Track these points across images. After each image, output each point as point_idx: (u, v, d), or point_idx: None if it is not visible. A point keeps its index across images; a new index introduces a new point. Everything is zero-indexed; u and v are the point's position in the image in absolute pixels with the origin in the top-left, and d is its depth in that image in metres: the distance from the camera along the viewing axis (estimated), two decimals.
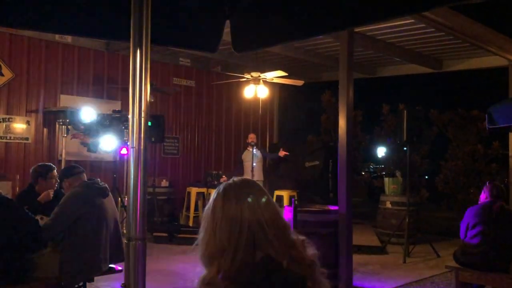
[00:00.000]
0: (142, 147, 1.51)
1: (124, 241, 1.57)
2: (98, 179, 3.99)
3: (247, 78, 8.51)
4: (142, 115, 1.65)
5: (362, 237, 8.20)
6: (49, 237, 3.65)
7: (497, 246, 4.52)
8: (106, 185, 3.98)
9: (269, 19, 1.92)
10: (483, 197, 4.87)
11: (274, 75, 8.15)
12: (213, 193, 1.45)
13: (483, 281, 4.67)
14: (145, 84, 1.62)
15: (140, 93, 1.67)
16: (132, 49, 1.67)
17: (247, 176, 8.82)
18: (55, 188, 4.26)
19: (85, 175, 4.00)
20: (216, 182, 8.89)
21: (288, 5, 1.88)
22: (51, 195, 4.20)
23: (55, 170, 4.29)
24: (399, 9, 1.63)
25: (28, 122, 8.31)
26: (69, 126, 8.17)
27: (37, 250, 3.65)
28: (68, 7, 1.70)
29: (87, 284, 4.04)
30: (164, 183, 9.43)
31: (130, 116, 1.67)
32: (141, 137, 1.60)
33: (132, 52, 1.68)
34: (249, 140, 9.05)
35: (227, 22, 2.04)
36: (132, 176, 1.42)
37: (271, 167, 9.37)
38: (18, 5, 1.67)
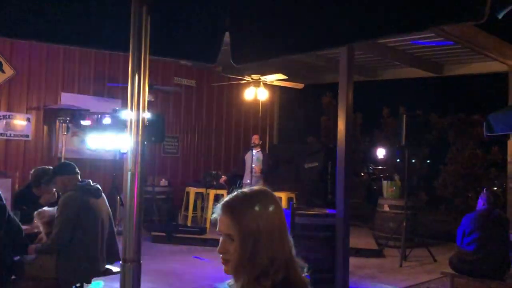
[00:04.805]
0: (139, 149, 1.51)
1: (120, 246, 1.58)
2: (90, 180, 3.98)
3: (248, 81, 8.52)
4: (140, 114, 1.66)
5: (360, 239, 8.23)
6: (61, 247, 3.68)
7: (492, 253, 4.55)
8: (98, 185, 3.98)
9: (269, 33, 1.93)
10: (480, 204, 4.90)
11: (274, 78, 8.16)
12: (266, 199, 1.42)
13: (477, 287, 4.70)
14: (144, 89, 1.64)
15: (139, 95, 1.68)
16: (130, 59, 1.69)
17: (247, 176, 8.84)
18: (55, 195, 4.27)
19: (79, 176, 3.97)
20: (215, 183, 8.91)
21: (289, 19, 1.89)
22: (53, 199, 4.22)
23: None
24: (397, 28, 1.65)
25: (28, 119, 8.33)
26: (69, 124, 8.20)
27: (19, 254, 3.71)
28: (66, 18, 1.72)
29: (85, 285, 4.06)
30: (163, 182, 9.46)
31: (128, 114, 1.68)
32: (138, 136, 1.61)
33: (131, 61, 1.69)
34: (252, 141, 9.08)
35: (227, 34, 2.06)
36: (128, 197, 1.44)
37: (270, 168, 9.39)
38: (19, 16, 1.68)
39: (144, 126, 1.66)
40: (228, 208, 1.39)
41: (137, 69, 1.57)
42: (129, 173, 1.47)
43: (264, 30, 1.96)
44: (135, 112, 1.65)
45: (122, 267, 1.44)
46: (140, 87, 1.59)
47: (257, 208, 1.37)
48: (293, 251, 1.44)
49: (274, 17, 1.92)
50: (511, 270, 4.41)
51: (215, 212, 1.42)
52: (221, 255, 1.39)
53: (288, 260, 1.39)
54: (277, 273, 1.34)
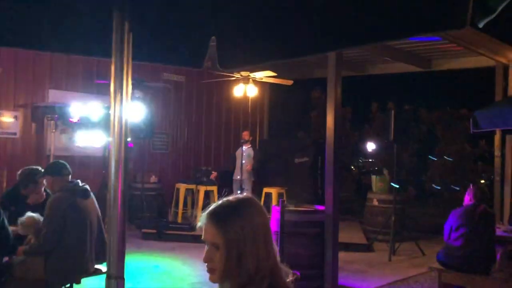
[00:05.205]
0: (122, 156, 1.51)
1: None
2: (78, 180, 3.97)
3: (237, 77, 8.51)
4: (123, 114, 1.66)
5: (350, 234, 8.29)
6: (49, 248, 3.67)
7: (478, 249, 4.62)
8: (87, 186, 3.97)
9: (256, 38, 1.94)
10: (467, 199, 4.95)
11: (263, 75, 8.16)
12: (251, 207, 1.43)
13: (464, 282, 4.77)
14: (126, 106, 1.64)
15: (121, 97, 1.67)
16: (113, 66, 1.69)
17: (237, 173, 8.86)
18: (43, 195, 4.25)
19: (69, 177, 3.96)
20: (205, 179, 8.92)
21: (276, 25, 1.89)
22: (41, 199, 4.20)
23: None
24: (380, 36, 1.67)
25: (16, 117, 8.25)
26: (58, 121, 8.14)
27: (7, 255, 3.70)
28: (48, 25, 1.72)
29: (75, 285, 4.06)
30: (153, 179, 9.43)
31: (111, 113, 1.68)
32: (122, 136, 1.61)
33: (113, 69, 1.69)
34: (242, 138, 9.10)
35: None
36: (111, 211, 1.44)
37: (261, 164, 9.42)
38: (3, 24, 1.67)
39: (126, 134, 1.66)
40: (213, 217, 1.40)
41: (119, 88, 1.58)
42: (112, 192, 1.47)
43: (251, 35, 1.96)
44: (118, 126, 1.64)
45: (107, 283, 1.46)
46: (121, 102, 1.59)
47: (242, 217, 1.39)
48: (278, 258, 1.46)
49: (262, 22, 1.93)
50: (496, 264, 4.49)
51: (200, 221, 1.43)
52: (206, 264, 1.41)
53: (273, 267, 1.40)
54: (262, 281, 1.36)
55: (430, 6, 1.54)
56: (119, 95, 1.56)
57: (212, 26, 2.01)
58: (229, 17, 2.03)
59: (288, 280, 1.48)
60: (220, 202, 1.45)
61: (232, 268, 1.35)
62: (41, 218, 3.79)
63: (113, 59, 1.61)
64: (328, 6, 1.71)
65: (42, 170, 4.28)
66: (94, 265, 3.94)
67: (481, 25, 1.50)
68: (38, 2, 1.61)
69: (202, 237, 1.42)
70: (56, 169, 3.99)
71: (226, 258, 1.35)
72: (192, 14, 1.97)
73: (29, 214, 3.74)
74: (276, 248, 1.47)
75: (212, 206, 1.44)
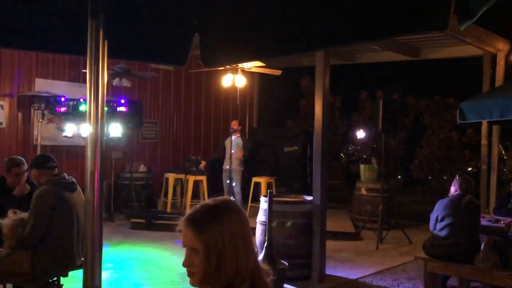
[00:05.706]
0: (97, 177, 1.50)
1: None
2: (65, 174, 3.94)
3: (225, 68, 8.45)
4: (99, 99, 1.65)
5: (338, 222, 8.36)
6: (35, 241, 3.65)
7: (463, 239, 4.68)
8: (73, 179, 3.95)
9: (238, 36, 1.92)
10: (453, 190, 5.00)
11: (252, 65, 8.11)
12: (229, 210, 1.42)
13: (449, 271, 4.85)
14: (102, 108, 1.62)
15: (97, 81, 1.66)
16: (88, 65, 1.67)
17: (226, 162, 8.86)
18: (27, 187, 4.21)
19: (55, 170, 3.94)
20: (194, 168, 8.91)
21: (259, 22, 1.88)
22: (26, 191, 4.16)
23: (24, 165, 4.21)
24: (370, 34, 1.67)
25: (1, 107, 8.15)
26: (44, 111, 8.05)
27: None
28: (24, 24, 1.69)
29: (62, 278, 4.06)
30: (142, 168, 9.41)
31: (87, 100, 1.67)
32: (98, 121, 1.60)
33: (88, 74, 1.67)
34: (231, 127, 9.07)
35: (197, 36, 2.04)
36: (87, 223, 1.42)
37: (250, 153, 9.42)
38: None
39: (103, 109, 1.65)
40: (191, 221, 1.40)
41: (95, 95, 1.56)
42: (87, 204, 1.46)
43: (234, 33, 1.95)
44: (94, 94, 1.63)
45: None
46: (97, 103, 1.57)
47: (221, 221, 1.38)
48: (258, 259, 1.46)
49: (244, 20, 1.91)
50: (480, 254, 4.55)
51: (179, 226, 1.43)
52: (186, 268, 1.41)
53: (253, 269, 1.41)
54: (242, 284, 1.36)
55: (414, 8, 1.54)
56: (95, 100, 1.54)
57: (195, 24, 1.99)
58: (212, 14, 2.01)
59: (268, 279, 1.49)
60: (198, 206, 1.45)
61: (212, 272, 1.36)
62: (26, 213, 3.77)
63: (88, 64, 1.59)
64: (311, 6, 1.70)
65: (23, 160, 4.25)
66: (81, 258, 3.93)
67: (462, 28, 1.51)
68: (16, 3, 1.58)
69: (182, 241, 1.42)
70: (42, 161, 3.96)
71: (205, 263, 1.36)
72: (174, 12, 1.94)
73: (13, 216, 3.69)
74: (257, 250, 1.48)
75: (191, 210, 1.44)
